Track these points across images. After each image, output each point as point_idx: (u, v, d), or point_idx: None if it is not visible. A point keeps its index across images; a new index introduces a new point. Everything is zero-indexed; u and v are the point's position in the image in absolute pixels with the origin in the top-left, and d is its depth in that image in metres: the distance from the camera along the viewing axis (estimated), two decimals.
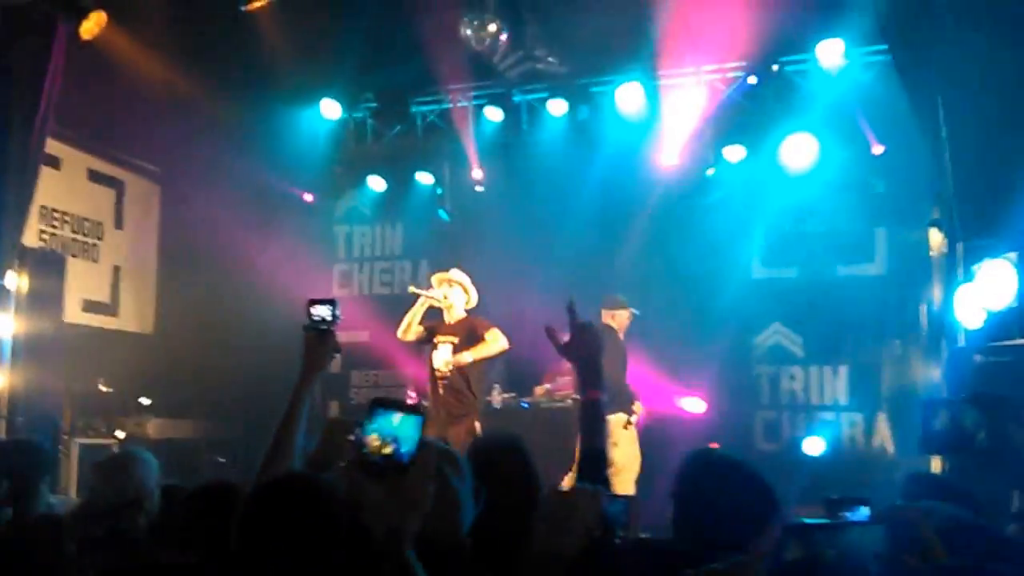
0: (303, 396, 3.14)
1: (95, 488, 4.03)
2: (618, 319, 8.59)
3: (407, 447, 1.85)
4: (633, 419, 8.32)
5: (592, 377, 3.22)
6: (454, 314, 8.02)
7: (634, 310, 8.65)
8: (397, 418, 1.86)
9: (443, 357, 7.84)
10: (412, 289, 8.16)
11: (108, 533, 3.66)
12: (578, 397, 3.33)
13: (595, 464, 3.15)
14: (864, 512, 3.80)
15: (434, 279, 8.23)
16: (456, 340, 7.85)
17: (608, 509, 2.79)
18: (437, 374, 7.90)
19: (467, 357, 7.74)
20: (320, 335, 3.20)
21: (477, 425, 7.79)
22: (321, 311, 3.22)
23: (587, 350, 3.22)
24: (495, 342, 7.79)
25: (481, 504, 2.74)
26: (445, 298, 7.99)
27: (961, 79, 6.85)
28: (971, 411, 5.37)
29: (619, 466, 7.96)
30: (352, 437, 1.96)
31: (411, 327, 8.03)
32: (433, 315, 8.14)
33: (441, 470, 2.14)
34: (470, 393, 7.84)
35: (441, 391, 7.85)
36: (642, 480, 8.16)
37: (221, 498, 3.30)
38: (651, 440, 8.51)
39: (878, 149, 9.42)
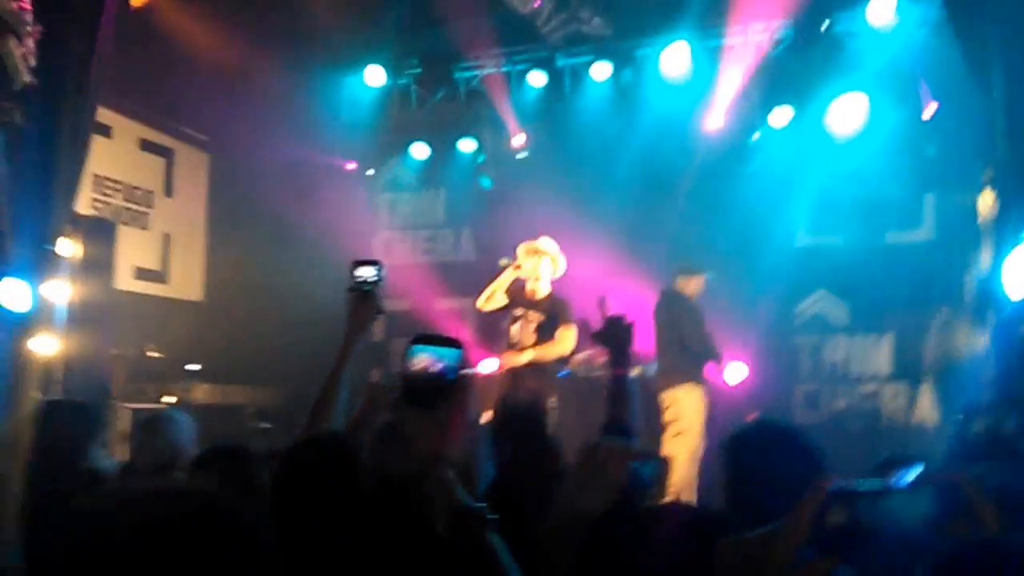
0: (346, 357, 3.21)
1: (135, 450, 4.12)
2: (692, 285, 8.52)
3: (452, 370, 1.91)
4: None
5: (620, 358, 3.30)
6: (539, 287, 7.94)
7: (708, 275, 8.59)
8: (440, 348, 1.91)
9: (524, 330, 7.80)
10: (502, 262, 8.03)
11: None
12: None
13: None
14: (917, 469, 3.77)
15: (520, 249, 8.08)
16: (540, 318, 7.78)
17: (638, 469, 2.84)
18: (515, 346, 7.84)
19: (524, 358, 7.70)
20: (364, 296, 3.27)
21: (553, 399, 7.63)
22: (365, 272, 3.30)
23: (617, 340, 3.31)
24: (561, 344, 7.71)
25: (500, 465, 2.80)
26: (533, 269, 7.90)
27: (1019, 37, 6.72)
28: (1012, 416, 5.29)
29: (684, 428, 7.95)
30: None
31: (494, 297, 7.94)
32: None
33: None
34: (547, 366, 7.76)
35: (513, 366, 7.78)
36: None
37: (230, 460, 3.38)
38: None
39: (930, 111, 9.28)
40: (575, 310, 7.78)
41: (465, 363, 1.89)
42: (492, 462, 2.82)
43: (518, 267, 7.88)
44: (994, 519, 2.26)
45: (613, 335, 3.36)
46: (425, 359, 1.88)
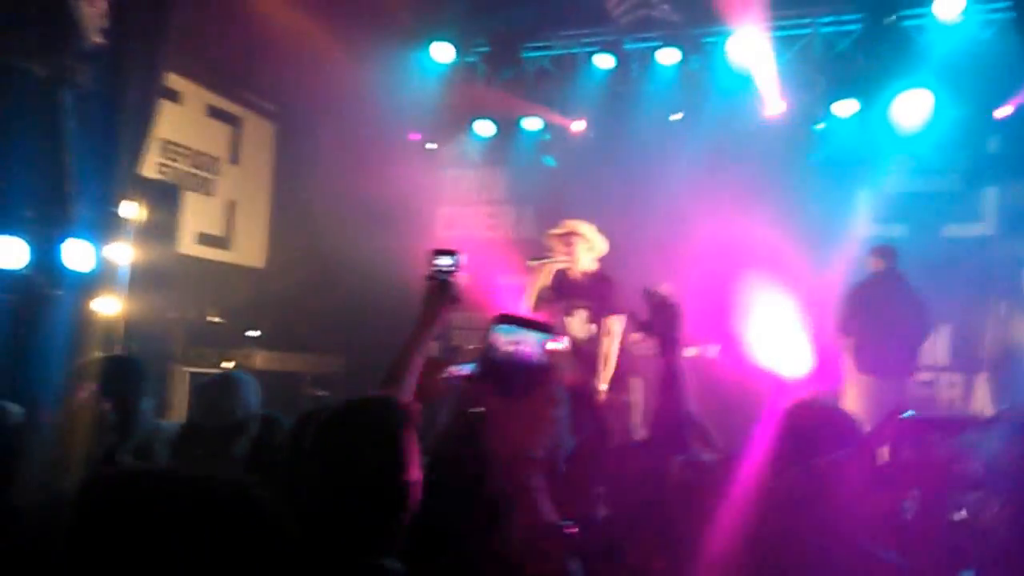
0: (420, 343, 3.17)
1: (198, 410, 4.09)
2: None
3: (532, 351, 1.78)
4: None
5: (669, 345, 3.28)
6: (580, 271, 7.37)
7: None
8: (527, 331, 1.79)
9: (578, 324, 7.34)
10: (531, 263, 7.41)
11: (210, 455, 3.74)
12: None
13: (673, 429, 3.19)
14: None
15: (551, 238, 7.48)
16: (588, 304, 7.31)
17: None
18: (576, 343, 7.35)
19: (607, 373, 7.25)
20: (442, 284, 3.26)
21: (639, 381, 7.37)
22: (444, 260, 3.29)
23: (663, 326, 3.30)
24: (611, 338, 7.26)
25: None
26: (569, 254, 7.30)
27: None
28: None
29: None
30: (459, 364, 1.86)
31: (536, 299, 7.32)
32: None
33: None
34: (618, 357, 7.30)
35: (582, 361, 7.27)
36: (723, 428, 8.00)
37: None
38: (741, 390, 8.46)
39: (1004, 111, 9.17)
40: (623, 295, 7.31)
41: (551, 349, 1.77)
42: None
43: (543, 265, 7.29)
44: None
45: (659, 322, 3.34)
46: (510, 340, 1.76)
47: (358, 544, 2.14)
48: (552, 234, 7.48)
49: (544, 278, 7.35)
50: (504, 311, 1.82)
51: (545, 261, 7.35)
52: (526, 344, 1.73)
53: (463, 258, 3.30)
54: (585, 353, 7.33)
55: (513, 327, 1.77)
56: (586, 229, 7.40)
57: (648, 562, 2.70)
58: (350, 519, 2.16)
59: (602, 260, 7.64)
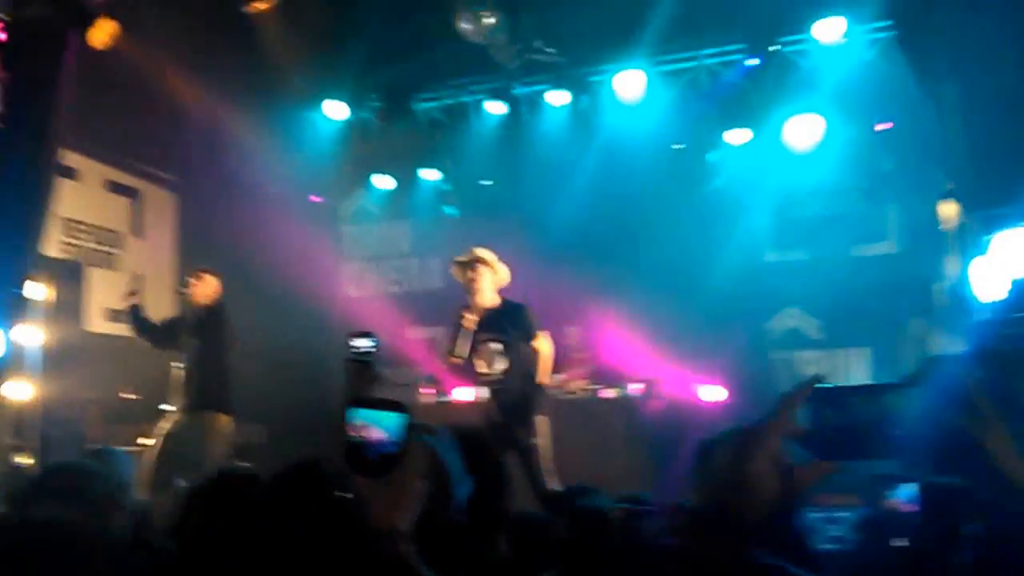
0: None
1: None
2: None
3: (392, 442, 1.70)
4: None
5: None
6: (486, 300, 7.01)
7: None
8: (380, 413, 1.72)
9: (491, 357, 6.95)
10: (465, 317, 6.96)
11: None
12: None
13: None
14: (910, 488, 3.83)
15: (452, 268, 7.27)
16: (503, 337, 6.93)
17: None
18: (485, 378, 7.07)
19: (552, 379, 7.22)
20: (362, 366, 3.43)
21: (545, 421, 6.96)
22: (361, 343, 3.46)
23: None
24: (546, 350, 7.01)
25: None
26: (470, 283, 7.00)
27: (971, 49, 6.82)
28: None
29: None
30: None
31: (459, 355, 6.99)
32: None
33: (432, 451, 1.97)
34: (535, 386, 7.00)
35: (494, 396, 7.06)
36: (656, 468, 7.95)
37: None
38: (668, 427, 8.55)
39: (884, 126, 9.47)
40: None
41: (411, 429, 1.69)
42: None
43: (471, 321, 6.97)
44: (991, 412, 2.22)
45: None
46: (363, 425, 1.69)
47: None
48: (457, 261, 7.24)
49: (466, 338, 7.00)
50: (357, 395, 1.77)
51: (466, 322, 7.02)
52: (378, 431, 1.67)
53: (380, 339, 3.46)
54: (504, 393, 7.04)
55: (368, 411, 1.71)
56: (490, 256, 7.13)
57: None
58: None
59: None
